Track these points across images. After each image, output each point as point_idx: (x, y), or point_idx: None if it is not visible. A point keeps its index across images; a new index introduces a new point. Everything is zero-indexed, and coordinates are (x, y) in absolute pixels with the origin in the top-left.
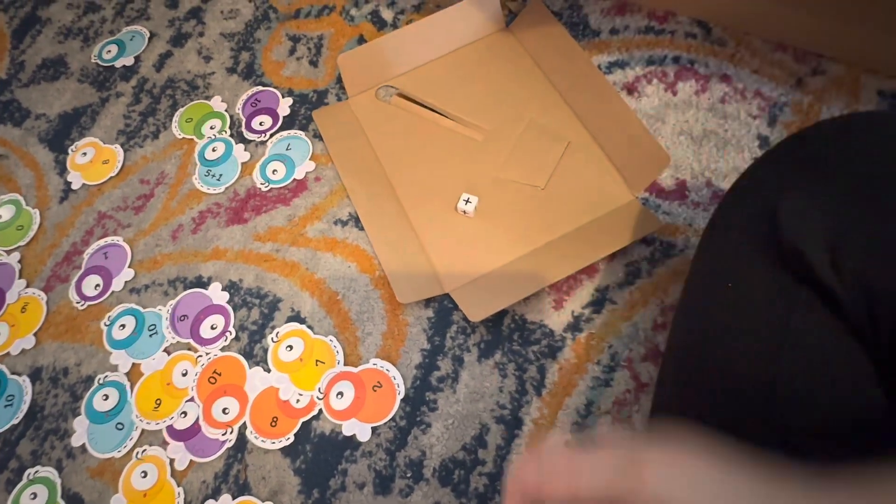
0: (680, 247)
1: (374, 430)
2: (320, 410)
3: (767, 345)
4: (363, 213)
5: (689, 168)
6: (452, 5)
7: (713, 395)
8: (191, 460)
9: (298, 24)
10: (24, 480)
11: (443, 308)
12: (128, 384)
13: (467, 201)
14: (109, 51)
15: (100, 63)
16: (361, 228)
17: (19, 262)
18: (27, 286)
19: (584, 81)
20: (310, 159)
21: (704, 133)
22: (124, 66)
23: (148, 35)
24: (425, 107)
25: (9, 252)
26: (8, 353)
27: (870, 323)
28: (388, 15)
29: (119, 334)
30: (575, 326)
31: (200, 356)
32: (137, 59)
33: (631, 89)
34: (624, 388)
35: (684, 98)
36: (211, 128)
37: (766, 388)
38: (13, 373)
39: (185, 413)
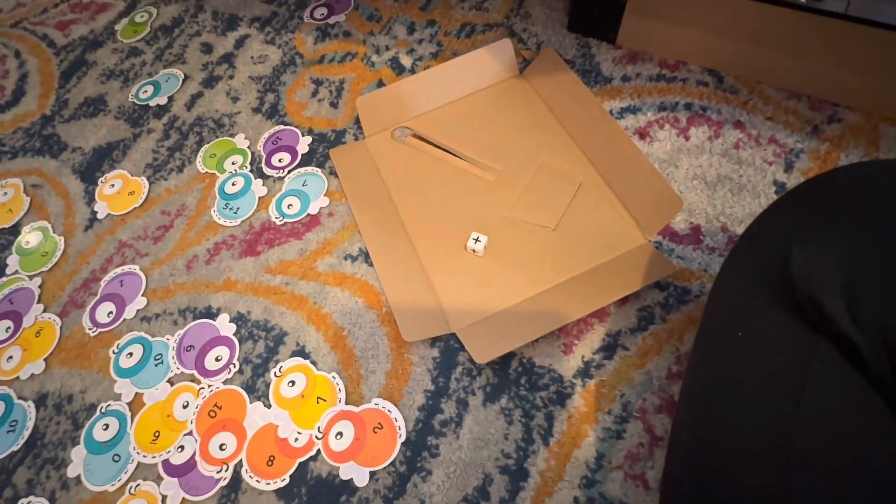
0: (695, 292)
1: (372, 474)
2: (318, 451)
3: (784, 402)
4: (373, 248)
5: (704, 212)
6: (468, 53)
7: (727, 458)
8: (183, 498)
9: (322, 69)
10: None
11: (449, 348)
12: (129, 414)
13: (477, 240)
14: (146, 91)
15: (136, 102)
16: (371, 264)
17: (39, 287)
18: (44, 311)
19: (596, 126)
20: (324, 195)
21: (718, 178)
22: (158, 105)
23: (182, 77)
24: (439, 147)
25: (31, 277)
26: (17, 378)
27: (892, 373)
28: (406, 61)
29: (126, 362)
30: (585, 372)
31: (203, 388)
32: (171, 98)
33: (643, 134)
34: (637, 440)
35: (697, 143)
36: (232, 163)
37: (783, 451)
38: (20, 397)
39: (182, 447)
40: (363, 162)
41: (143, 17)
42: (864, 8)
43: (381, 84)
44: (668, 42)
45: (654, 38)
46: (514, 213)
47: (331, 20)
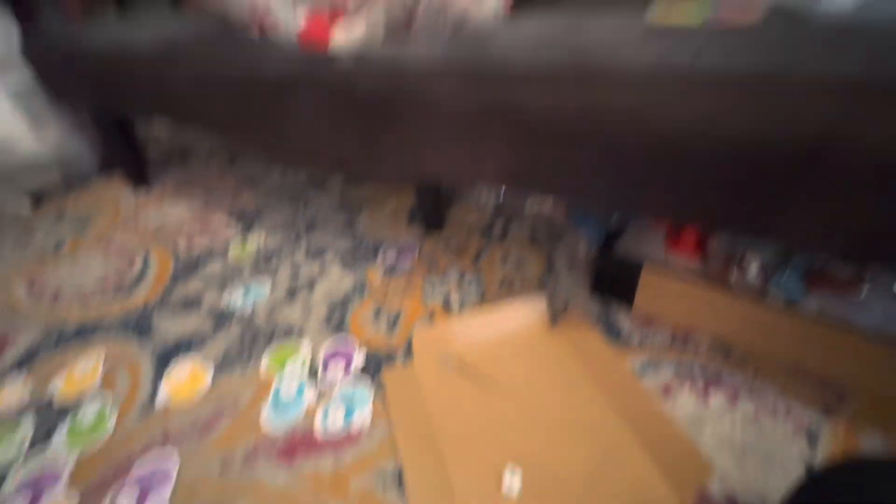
0: None
1: None
2: None
3: None
4: (409, 476)
5: (738, 481)
6: (508, 301)
7: None
8: None
9: (385, 299)
10: None
11: None
12: None
13: (512, 474)
14: (236, 295)
15: (224, 304)
16: (401, 486)
17: (75, 463)
18: (69, 488)
19: (620, 382)
20: (369, 407)
21: (744, 447)
22: (242, 309)
23: (269, 287)
24: (477, 374)
25: (71, 450)
26: None
27: None
28: (455, 302)
29: None
30: None
31: None
32: (254, 304)
33: (666, 391)
34: None
35: (717, 409)
36: (292, 366)
37: None
38: None
39: None
40: (410, 385)
41: (253, 242)
42: (835, 310)
43: (432, 316)
44: (676, 315)
45: (665, 310)
46: (548, 451)
47: (399, 263)
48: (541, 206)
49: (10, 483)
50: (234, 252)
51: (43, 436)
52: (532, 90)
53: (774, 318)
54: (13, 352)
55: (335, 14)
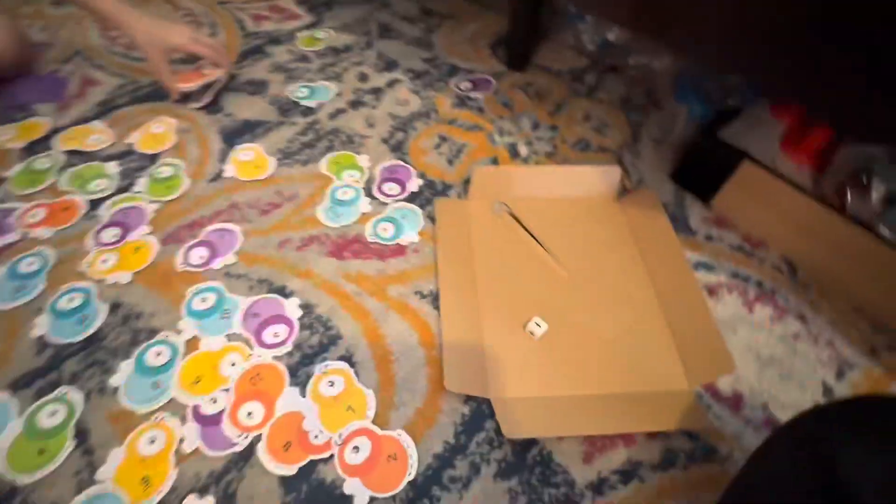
0: (722, 455)
1: (372, 499)
2: (332, 456)
3: None
4: (444, 295)
5: (749, 384)
6: (581, 165)
7: None
8: (197, 447)
9: (451, 129)
10: (53, 395)
11: (479, 411)
12: (182, 351)
13: (538, 325)
14: (302, 91)
15: (290, 97)
16: (436, 307)
17: (155, 212)
18: (150, 233)
19: (673, 270)
20: (417, 232)
21: (771, 358)
22: (307, 106)
23: (335, 92)
24: (526, 230)
25: (151, 202)
26: (104, 280)
27: None
28: (523, 150)
29: (198, 305)
30: (597, 488)
31: (252, 355)
32: (319, 105)
33: (711, 292)
34: None
35: (759, 319)
36: (350, 175)
37: None
38: (100, 298)
39: (215, 400)
40: (461, 219)
41: (322, 34)
42: None
43: (495, 160)
44: (755, 221)
45: (745, 213)
46: (577, 314)
47: (472, 94)
48: (649, 62)
49: (105, 215)
50: (301, 43)
51: (126, 179)
52: None
53: (867, 251)
54: (93, 98)
55: None
